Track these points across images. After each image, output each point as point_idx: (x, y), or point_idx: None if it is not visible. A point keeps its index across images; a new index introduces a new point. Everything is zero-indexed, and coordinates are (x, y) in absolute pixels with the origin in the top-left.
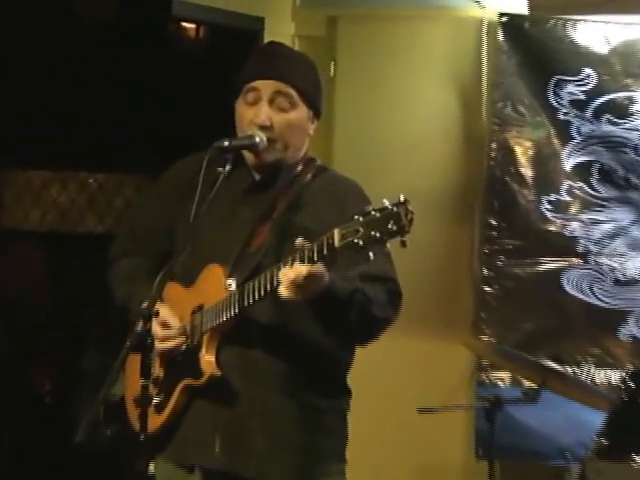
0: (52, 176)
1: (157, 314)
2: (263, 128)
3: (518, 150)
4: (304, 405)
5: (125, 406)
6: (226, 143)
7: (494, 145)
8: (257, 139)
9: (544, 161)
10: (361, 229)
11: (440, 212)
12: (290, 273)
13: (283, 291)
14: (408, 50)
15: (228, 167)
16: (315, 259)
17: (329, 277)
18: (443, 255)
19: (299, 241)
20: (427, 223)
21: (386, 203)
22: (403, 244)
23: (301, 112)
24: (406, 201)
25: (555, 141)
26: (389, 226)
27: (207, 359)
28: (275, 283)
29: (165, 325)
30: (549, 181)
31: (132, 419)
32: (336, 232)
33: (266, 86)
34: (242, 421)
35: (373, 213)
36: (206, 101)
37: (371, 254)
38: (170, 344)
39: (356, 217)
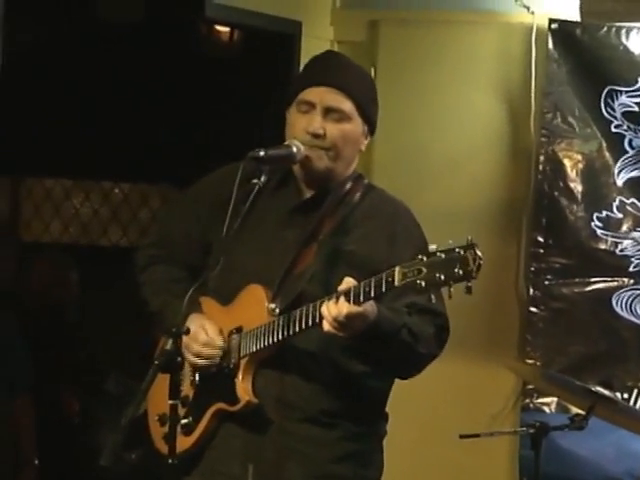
0: (73, 185)
1: (188, 331)
2: (316, 136)
3: (567, 163)
4: (341, 435)
5: (147, 423)
6: (261, 153)
7: (542, 158)
8: (294, 149)
9: (595, 175)
10: (424, 270)
11: (485, 228)
12: (332, 309)
13: (325, 327)
14: (453, 56)
15: (264, 178)
16: (372, 295)
17: (376, 313)
18: (487, 274)
19: (348, 279)
20: (479, 238)
21: (453, 244)
22: (468, 290)
23: (356, 125)
24: (474, 245)
25: (607, 154)
26: (455, 270)
27: (243, 386)
28: (318, 317)
29: (206, 342)
30: (600, 196)
31: (155, 438)
32: (397, 270)
33: (322, 95)
34: (277, 452)
35: (439, 254)
36: (239, 108)
37: (433, 296)
38: (205, 350)
39: (420, 257)
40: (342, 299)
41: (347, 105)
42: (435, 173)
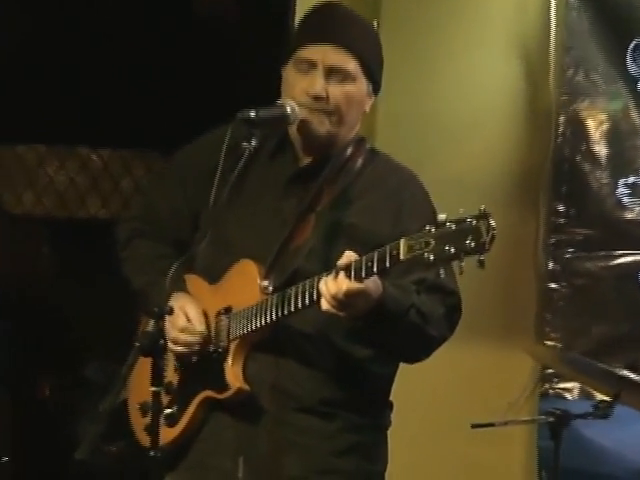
0: (47, 152)
1: (171, 311)
2: (317, 99)
3: (590, 124)
4: (342, 426)
5: (127, 412)
6: (252, 114)
7: (562, 119)
8: (288, 109)
9: (621, 138)
10: (433, 242)
11: (500, 197)
12: (331, 286)
13: (324, 305)
14: (464, 10)
15: (254, 142)
16: (375, 270)
17: (380, 291)
18: (502, 247)
19: (349, 253)
20: (492, 210)
21: (464, 214)
22: (481, 264)
23: (361, 86)
24: (488, 214)
25: (634, 115)
26: (466, 242)
27: (234, 371)
28: (315, 294)
29: (184, 327)
30: (626, 161)
31: (137, 429)
32: (403, 243)
33: (324, 53)
34: (272, 445)
35: (448, 225)
36: (230, 69)
37: (442, 271)
38: (183, 337)
39: (427, 227)
40: (342, 275)
41: (351, 65)
42: (445, 137)
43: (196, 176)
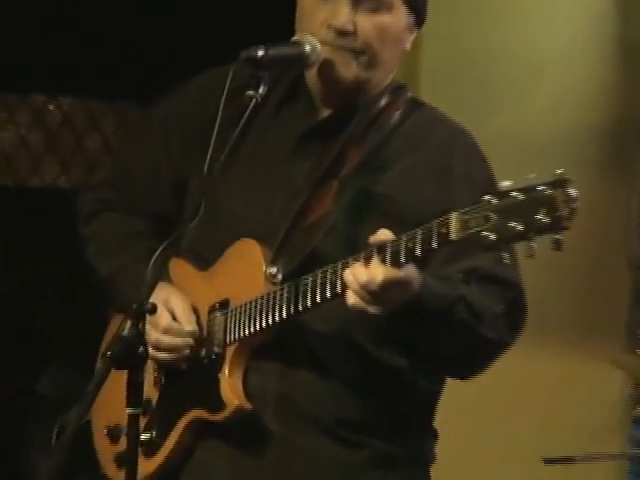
0: None
1: (154, 309)
2: (342, 34)
3: None
4: (370, 458)
5: (91, 437)
6: (260, 53)
7: None
8: (307, 47)
9: None
10: (494, 217)
11: (579, 165)
12: (361, 274)
13: (350, 299)
14: None
15: (262, 90)
16: (418, 253)
17: (420, 281)
18: (583, 228)
19: (384, 231)
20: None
21: (534, 180)
22: (557, 245)
23: (399, 16)
24: (567, 180)
25: None
26: (538, 216)
27: (231, 384)
28: (339, 286)
29: (168, 327)
30: None
31: (102, 458)
32: (455, 217)
33: None
34: (278, 477)
35: (514, 194)
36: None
37: (505, 254)
38: (168, 340)
39: (487, 198)
40: (375, 259)
41: None
42: (508, 84)
43: (183, 132)
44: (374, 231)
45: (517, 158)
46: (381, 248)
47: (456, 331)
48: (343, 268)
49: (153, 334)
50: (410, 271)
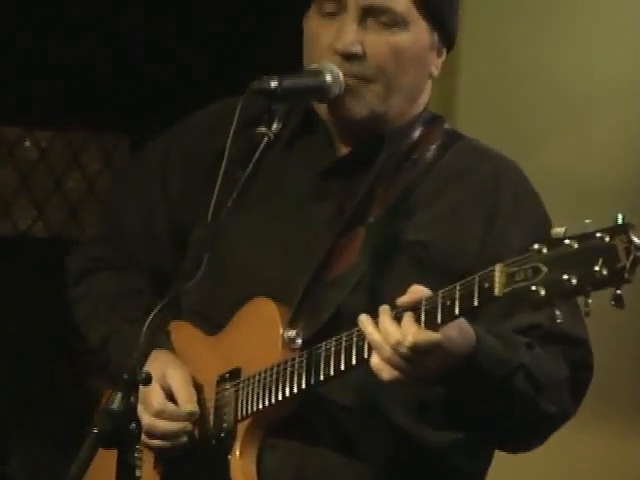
0: None
1: (149, 379)
2: (349, 57)
3: None
4: None
5: None
6: (273, 84)
7: None
8: (328, 77)
9: None
10: (544, 269)
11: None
12: (392, 333)
13: (376, 363)
14: None
15: (276, 126)
16: (456, 313)
17: (473, 343)
18: None
19: (417, 288)
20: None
21: (590, 225)
22: (617, 301)
23: (418, 32)
24: (629, 227)
25: None
26: (595, 269)
27: (243, 467)
28: (367, 350)
29: (160, 410)
30: None
31: None
32: (499, 270)
33: None
34: None
35: (567, 242)
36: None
37: (557, 312)
38: (162, 425)
39: (536, 247)
40: (408, 318)
41: (401, 2)
42: (556, 117)
43: (184, 173)
44: (406, 285)
45: (564, 201)
46: (415, 306)
47: (513, 403)
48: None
49: (145, 417)
50: (451, 332)
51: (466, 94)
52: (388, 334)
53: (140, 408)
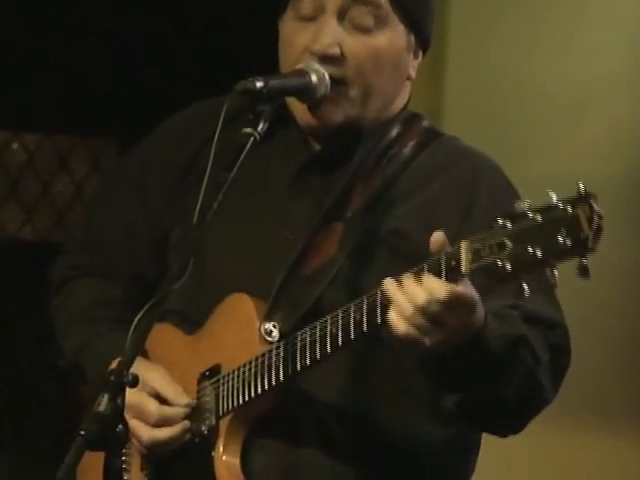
0: None
1: (135, 381)
2: (327, 59)
3: None
4: None
5: None
6: (259, 84)
7: None
8: (313, 77)
9: None
10: (508, 243)
11: (631, 209)
12: (417, 292)
13: (400, 326)
14: None
15: (261, 126)
16: None
17: (484, 311)
18: (631, 280)
19: (439, 234)
20: (610, 229)
21: (552, 197)
22: (582, 272)
23: (395, 35)
24: (589, 195)
25: None
26: (559, 238)
27: (227, 463)
28: (377, 318)
29: (161, 417)
30: None
31: None
32: (464, 246)
33: None
34: None
35: (530, 215)
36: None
37: (525, 286)
38: (165, 433)
39: (500, 220)
40: (427, 273)
41: (378, 1)
42: (543, 125)
43: (164, 177)
44: (384, 276)
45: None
46: (434, 263)
47: (516, 376)
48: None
49: (144, 431)
50: (471, 289)
51: (453, 101)
52: (414, 292)
53: (135, 423)
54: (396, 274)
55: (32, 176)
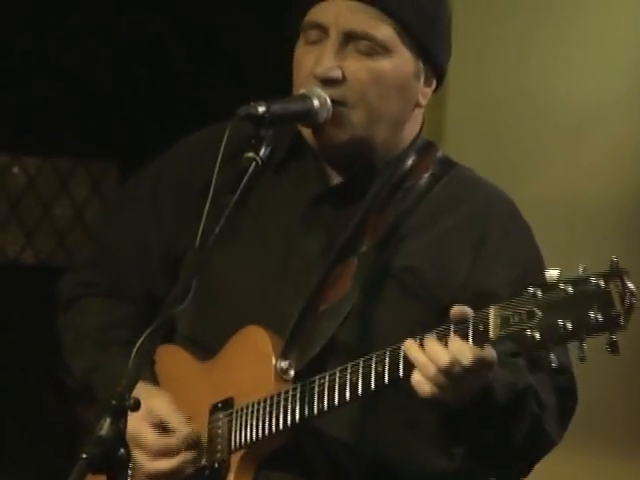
0: None
1: (137, 405)
2: (329, 82)
3: None
4: None
5: None
6: (261, 109)
7: None
8: (315, 102)
9: None
10: (539, 312)
11: (630, 238)
12: (441, 354)
13: (424, 386)
14: None
15: (264, 151)
16: None
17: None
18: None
19: (462, 309)
20: (610, 251)
21: (584, 270)
22: (613, 348)
23: (401, 61)
24: (623, 272)
25: None
26: (590, 314)
27: None
28: (399, 371)
29: (159, 428)
30: None
31: None
32: (493, 312)
33: (338, 12)
34: None
35: (562, 286)
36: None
37: (553, 356)
38: (167, 464)
39: (531, 290)
40: (454, 335)
41: (383, 31)
42: (544, 145)
43: (176, 199)
44: (396, 313)
45: (555, 231)
46: (463, 324)
47: (523, 425)
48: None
49: (145, 462)
50: (492, 351)
51: (453, 123)
52: (437, 354)
53: (137, 453)
54: (408, 312)
55: (32, 199)
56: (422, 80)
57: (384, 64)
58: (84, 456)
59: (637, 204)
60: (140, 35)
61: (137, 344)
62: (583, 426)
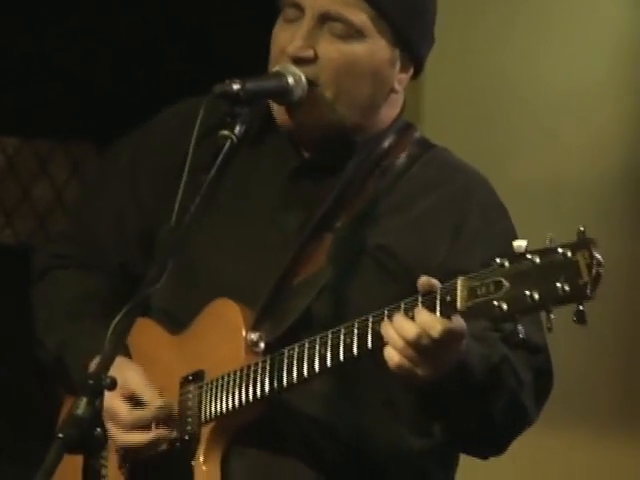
0: None
1: (114, 385)
2: (300, 61)
3: None
4: None
5: None
6: (236, 87)
7: None
8: (290, 79)
9: None
10: (506, 283)
11: (610, 217)
12: (408, 328)
13: (394, 358)
14: None
15: (239, 129)
16: None
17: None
18: (615, 290)
19: (429, 280)
20: (598, 231)
21: (551, 241)
22: (580, 318)
23: (375, 47)
24: (590, 241)
25: None
26: (557, 284)
27: (207, 471)
28: (368, 343)
29: (131, 401)
30: None
31: None
32: (460, 283)
33: None
34: None
35: (529, 257)
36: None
37: (520, 327)
38: (140, 437)
39: (498, 261)
40: (421, 308)
41: (359, 15)
42: (525, 126)
43: (155, 172)
44: (371, 290)
45: (536, 211)
46: (430, 295)
47: (501, 398)
48: (374, 321)
49: (119, 435)
50: (461, 322)
51: (432, 105)
52: (404, 328)
53: (110, 426)
54: (381, 289)
55: (12, 180)
56: (398, 67)
57: (357, 48)
58: (60, 436)
59: (618, 184)
60: (138, 35)
61: (113, 323)
62: (567, 406)
